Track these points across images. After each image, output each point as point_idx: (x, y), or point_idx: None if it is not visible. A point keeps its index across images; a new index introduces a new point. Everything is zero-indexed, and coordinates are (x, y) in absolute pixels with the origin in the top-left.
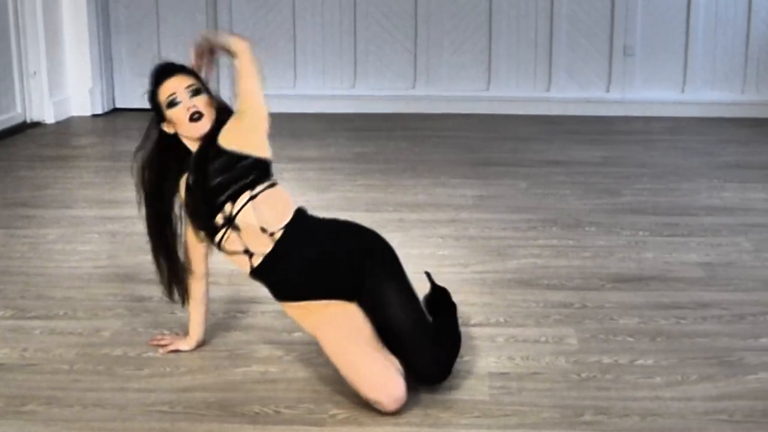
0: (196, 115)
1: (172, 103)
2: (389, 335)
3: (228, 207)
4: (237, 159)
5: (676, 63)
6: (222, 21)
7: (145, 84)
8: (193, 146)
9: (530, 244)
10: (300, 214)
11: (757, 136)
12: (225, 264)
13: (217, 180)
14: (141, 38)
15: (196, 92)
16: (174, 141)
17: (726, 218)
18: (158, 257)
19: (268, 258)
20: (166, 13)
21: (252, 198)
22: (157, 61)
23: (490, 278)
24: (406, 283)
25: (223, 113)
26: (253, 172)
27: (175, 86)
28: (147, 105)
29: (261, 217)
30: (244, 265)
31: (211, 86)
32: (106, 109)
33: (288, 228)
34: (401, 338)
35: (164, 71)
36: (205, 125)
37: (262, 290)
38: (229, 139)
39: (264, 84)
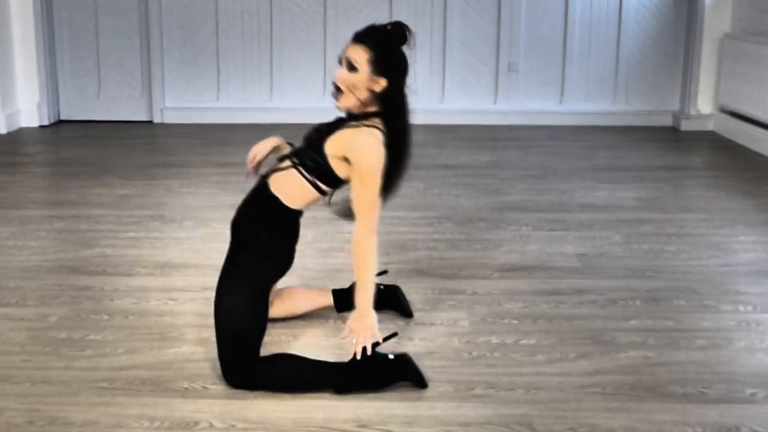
0: (333, 87)
1: (339, 60)
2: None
3: None
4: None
5: (555, 78)
6: (154, 43)
7: (85, 99)
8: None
9: (427, 238)
10: None
11: (626, 142)
12: (160, 257)
13: None
14: (82, 57)
15: (351, 67)
16: None
17: (599, 215)
18: None
19: None
20: (105, 35)
21: None
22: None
23: (392, 268)
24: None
25: (383, 109)
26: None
27: (347, 51)
28: (88, 118)
29: None
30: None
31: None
32: (51, 121)
33: None
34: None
35: (357, 34)
36: (344, 102)
37: (192, 279)
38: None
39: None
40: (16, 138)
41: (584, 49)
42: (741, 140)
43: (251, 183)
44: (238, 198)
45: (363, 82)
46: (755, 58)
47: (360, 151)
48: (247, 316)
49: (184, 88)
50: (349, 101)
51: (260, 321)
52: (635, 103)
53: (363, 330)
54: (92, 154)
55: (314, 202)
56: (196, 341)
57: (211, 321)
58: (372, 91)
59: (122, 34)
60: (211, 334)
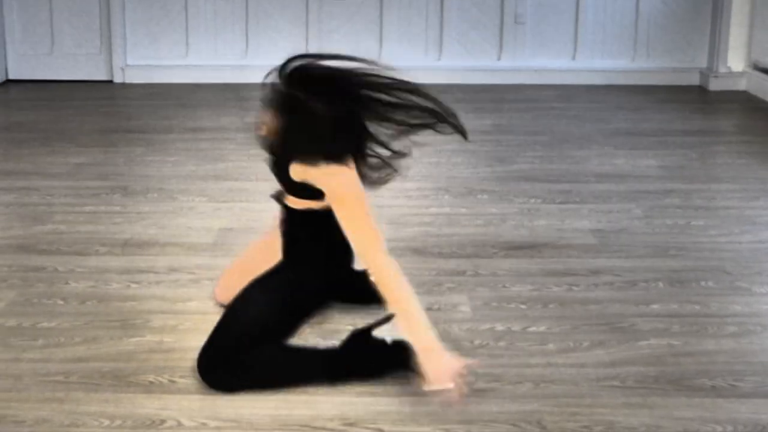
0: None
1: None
2: None
3: None
4: None
5: (567, 31)
6: None
7: (37, 56)
8: None
9: (422, 213)
10: None
11: (648, 104)
12: (121, 234)
13: None
14: (32, 9)
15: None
16: None
17: (617, 185)
18: None
19: None
20: None
21: None
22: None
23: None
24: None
25: None
26: None
27: None
28: (40, 77)
29: None
30: None
31: None
32: None
33: None
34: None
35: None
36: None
37: (157, 260)
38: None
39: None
40: None
41: None
42: None
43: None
44: (209, 167)
45: None
46: None
47: (324, 179)
48: (264, 312)
49: (148, 44)
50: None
51: (274, 326)
52: (658, 59)
53: (443, 372)
54: (44, 117)
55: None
56: (162, 329)
57: (180, 307)
58: None
59: None
60: (178, 322)
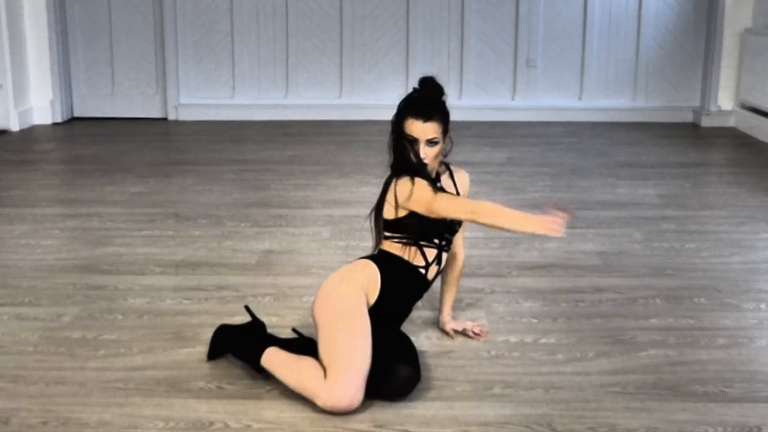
0: (424, 161)
1: (410, 139)
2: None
3: None
4: None
5: (574, 73)
6: (168, 39)
7: (99, 96)
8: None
9: None
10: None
11: (646, 138)
12: (174, 256)
13: None
14: (95, 53)
15: (432, 143)
16: None
17: (619, 212)
18: None
19: None
20: (119, 30)
21: None
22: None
23: None
24: None
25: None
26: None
27: (419, 132)
28: (101, 115)
29: None
30: None
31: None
32: (65, 118)
33: None
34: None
35: (423, 112)
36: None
37: (206, 279)
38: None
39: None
40: (29, 135)
41: (603, 44)
42: (762, 136)
43: (265, 180)
44: (252, 195)
45: (441, 148)
46: None
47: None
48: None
49: (198, 85)
50: (432, 167)
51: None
52: (655, 99)
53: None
54: (105, 151)
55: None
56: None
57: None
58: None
59: (136, 30)
60: None
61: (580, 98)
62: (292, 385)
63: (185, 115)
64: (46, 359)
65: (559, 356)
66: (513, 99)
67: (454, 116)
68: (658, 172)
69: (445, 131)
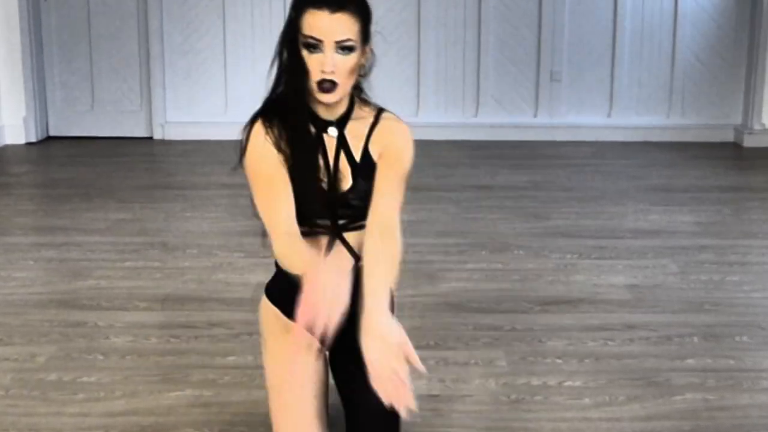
0: (327, 84)
1: (309, 45)
2: None
3: None
4: None
5: (603, 88)
6: (154, 51)
7: (77, 113)
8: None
9: (460, 268)
10: None
11: (682, 160)
12: (161, 289)
13: None
14: (73, 67)
15: (346, 48)
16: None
17: (652, 241)
18: None
19: None
20: (99, 42)
21: None
22: None
23: (420, 302)
24: None
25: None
26: None
27: (324, 30)
28: (80, 134)
29: None
30: None
31: None
32: (39, 137)
33: None
34: None
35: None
36: (338, 94)
37: (196, 315)
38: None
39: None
40: (0, 156)
41: (635, 55)
42: None
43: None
44: (246, 223)
45: (357, 60)
46: None
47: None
48: None
49: (187, 101)
50: (343, 91)
51: None
52: (692, 116)
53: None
54: (85, 174)
55: None
56: (202, 383)
57: (219, 361)
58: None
59: (118, 39)
60: (217, 376)
61: (609, 115)
62: None
63: (173, 134)
64: (18, 404)
65: (586, 400)
66: (535, 116)
67: (468, 135)
68: (695, 197)
69: (365, 34)
